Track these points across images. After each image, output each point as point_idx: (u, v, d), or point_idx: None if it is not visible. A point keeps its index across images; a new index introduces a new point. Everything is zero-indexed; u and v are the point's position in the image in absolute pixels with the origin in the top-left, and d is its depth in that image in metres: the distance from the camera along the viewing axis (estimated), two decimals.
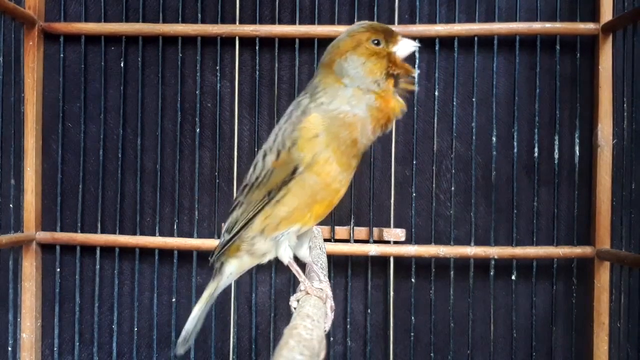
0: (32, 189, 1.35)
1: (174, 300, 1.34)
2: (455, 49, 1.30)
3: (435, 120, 1.31)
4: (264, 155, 0.72)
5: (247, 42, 1.34)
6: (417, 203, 1.32)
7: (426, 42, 1.29)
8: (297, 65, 1.33)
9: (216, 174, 1.34)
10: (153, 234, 1.35)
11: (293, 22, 1.34)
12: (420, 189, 1.33)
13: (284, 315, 1.34)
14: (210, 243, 1.31)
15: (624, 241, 1.20)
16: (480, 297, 1.31)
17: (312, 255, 0.81)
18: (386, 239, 1.31)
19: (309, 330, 0.50)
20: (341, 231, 1.33)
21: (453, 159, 1.31)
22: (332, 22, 1.34)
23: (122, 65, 1.37)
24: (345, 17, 1.35)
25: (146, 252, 1.35)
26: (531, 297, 1.29)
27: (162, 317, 1.37)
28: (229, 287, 1.32)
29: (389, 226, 1.32)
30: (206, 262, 1.35)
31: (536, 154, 1.29)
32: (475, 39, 1.30)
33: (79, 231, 1.36)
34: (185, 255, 1.35)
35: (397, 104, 0.69)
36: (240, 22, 1.34)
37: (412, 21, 1.33)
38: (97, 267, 1.36)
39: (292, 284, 1.33)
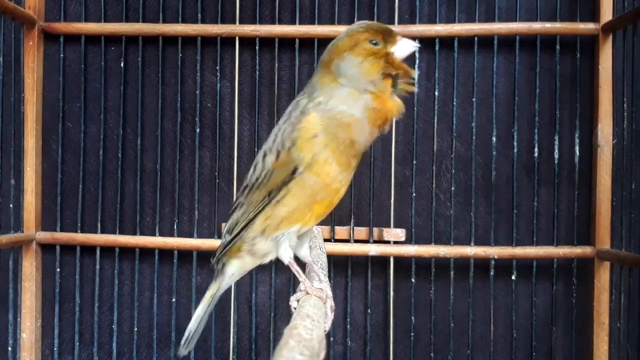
0: (32, 189, 1.35)
1: (174, 300, 1.34)
2: (455, 49, 1.30)
3: (435, 120, 1.31)
4: (264, 156, 0.72)
5: (247, 42, 1.34)
6: (417, 203, 1.32)
7: (426, 42, 1.29)
8: (297, 65, 1.33)
9: (216, 174, 1.34)
10: (153, 234, 1.35)
11: (293, 22, 1.34)
12: (420, 189, 1.33)
13: (284, 315, 1.34)
14: (210, 243, 1.31)
15: (624, 241, 1.20)
16: (480, 297, 1.31)
17: (312, 255, 0.81)
18: (386, 239, 1.31)
19: (309, 330, 0.50)
20: (341, 231, 1.33)
21: (453, 159, 1.31)
22: (332, 22, 1.34)
23: (122, 65, 1.37)
24: (345, 17, 1.35)
25: (146, 252, 1.35)
26: (531, 297, 1.29)
27: (162, 317, 1.37)
28: (229, 287, 1.32)
29: (389, 226, 1.32)
30: (206, 262, 1.35)
31: (536, 154, 1.29)
32: (475, 39, 1.30)
33: (79, 231, 1.36)
34: (185, 255, 1.35)
35: (395, 105, 0.68)
36: (240, 22, 1.34)
37: (412, 21, 1.33)
38: (97, 267, 1.36)
39: (292, 284, 1.33)
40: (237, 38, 1.33)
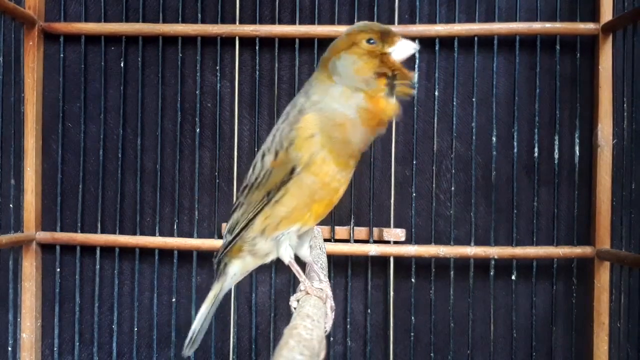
0: (32, 189, 1.35)
1: (174, 300, 1.34)
2: (455, 49, 1.30)
3: (435, 120, 1.31)
4: (263, 156, 0.72)
5: (247, 42, 1.34)
6: (417, 203, 1.32)
7: (426, 42, 1.29)
8: (297, 65, 1.33)
9: (216, 174, 1.34)
10: (153, 234, 1.35)
11: (293, 22, 1.34)
12: (420, 189, 1.33)
13: (284, 315, 1.34)
14: (210, 243, 1.31)
15: (624, 241, 1.20)
16: (480, 297, 1.31)
17: (312, 255, 0.81)
18: (386, 239, 1.31)
19: (309, 330, 0.50)
20: (341, 231, 1.33)
21: (453, 159, 1.31)
22: (332, 22, 1.34)
23: (122, 65, 1.37)
24: (345, 17, 1.35)
25: (146, 252, 1.35)
26: (531, 297, 1.29)
27: (162, 317, 1.37)
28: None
29: (389, 226, 1.32)
30: (206, 262, 1.35)
31: (536, 154, 1.29)
32: (475, 39, 1.30)
33: (79, 231, 1.36)
34: (185, 255, 1.35)
35: (389, 106, 0.67)
36: (240, 22, 1.34)
37: (412, 21, 1.33)
38: (97, 267, 1.36)
39: (292, 284, 1.33)
40: (237, 38, 1.33)
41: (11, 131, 1.32)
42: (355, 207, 1.32)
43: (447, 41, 1.31)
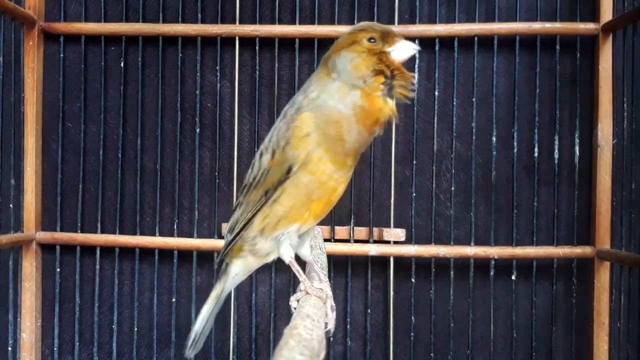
0: (32, 189, 1.35)
1: (174, 300, 1.34)
2: (455, 49, 1.30)
3: (435, 120, 1.31)
4: (261, 155, 0.72)
5: (247, 42, 1.34)
6: (417, 203, 1.32)
7: (426, 42, 1.29)
8: (297, 65, 1.33)
9: (216, 174, 1.34)
10: (153, 234, 1.35)
11: (293, 22, 1.34)
12: (420, 189, 1.33)
13: (284, 315, 1.34)
14: (210, 243, 1.31)
15: (624, 241, 1.20)
16: (480, 297, 1.31)
17: (312, 255, 0.81)
18: (386, 239, 1.31)
19: (309, 330, 0.50)
20: (341, 231, 1.33)
21: (453, 159, 1.31)
22: (332, 22, 1.34)
23: (122, 65, 1.37)
24: (345, 17, 1.35)
25: (146, 252, 1.35)
26: (531, 297, 1.29)
27: (162, 317, 1.37)
28: None
29: (389, 226, 1.32)
30: (206, 262, 1.35)
31: (536, 154, 1.29)
32: (475, 39, 1.30)
33: (79, 231, 1.36)
34: (185, 255, 1.35)
35: (386, 106, 0.67)
36: (240, 22, 1.34)
37: (412, 21, 1.33)
38: (97, 267, 1.36)
39: (292, 284, 1.33)
40: (237, 38, 1.33)
41: (11, 131, 1.32)
42: (355, 207, 1.32)
43: (447, 41, 1.31)
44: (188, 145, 1.37)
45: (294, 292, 0.70)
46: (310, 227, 0.74)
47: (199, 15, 1.34)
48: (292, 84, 1.35)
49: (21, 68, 1.34)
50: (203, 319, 0.82)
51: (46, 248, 1.38)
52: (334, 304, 0.70)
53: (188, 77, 1.37)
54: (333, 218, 1.32)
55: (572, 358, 1.29)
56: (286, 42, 1.34)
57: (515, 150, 1.29)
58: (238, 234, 0.74)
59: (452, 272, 1.29)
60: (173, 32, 1.33)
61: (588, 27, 1.26)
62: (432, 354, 1.31)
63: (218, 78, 1.34)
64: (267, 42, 1.34)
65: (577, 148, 1.29)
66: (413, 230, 1.30)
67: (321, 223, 0.83)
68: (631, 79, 1.20)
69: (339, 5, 1.34)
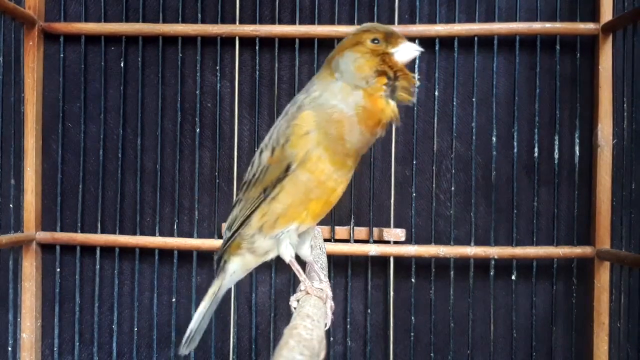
0: (32, 189, 1.35)
1: (174, 300, 1.34)
2: (455, 49, 1.30)
3: (435, 120, 1.31)
4: (261, 152, 0.72)
5: (247, 42, 1.34)
6: (417, 203, 1.32)
7: (426, 42, 1.29)
8: (297, 65, 1.33)
9: (216, 174, 1.34)
10: (153, 234, 1.35)
11: (293, 22, 1.34)
12: (420, 189, 1.33)
13: (284, 315, 1.34)
14: (210, 243, 1.31)
15: (624, 241, 1.20)
16: (480, 297, 1.31)
17: (312, 255, 0.81)
18: (386, 239, 1.31)
19: (309, 330, 0.50)
20: (341, 231, 1.33)
21: (453, 159, 1.31)
22: (332, 22, 1.34)
23: (122, 65, 1.37)
24: (345, 17, 1.35)
25: (146, 252, 1.35)
26: (531, 297, 1.29)
27: (162, 317, 1.37)
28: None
29: (389, 226, 1.32)
30: (206, 262, 1.35)
31: (536, 154, 1.29)
32: (475, 39, 1.30)
33: (79, 231, 1.36)
34: (185, 255, 1.35)
35: (388, 107, 0.67)
36: (240, 22, 1.34)
37: (412, 21, 1.33)
38: (97, 267, 1.36)
39: (292, 284, 1.33)
40: (237, 38, 1.33)
41: (11, 131, 1.32)
42: (355, 207, 1.32)
43: (447, 41, 1.31)
44: (188, 145, 1.37)
45: (294, 292, 0.70)
46: (310, 226, 0.74)
47: (199, 15, 1.34)
48: (292, 84, 1.35)
49: (21, 68, 1.34)
50: (199, 316, 0.82)
51: (46, 248, 1.38)
52: (333, 304, 0.70)
53: (188, 77, 1.37)
54: (333, 218, 1.32)
55: (572, 358, 1.29)
56: (286, 42, 1.34)
57: (515, 150, 1.29)
58: (236, 231, 0.74)
59: (452, 272, 1.29)
60: (173, 32, 1.33)
61: (588, 27, 1.26)
62: (432, 354, 1.31)
63: (218, 78, 1.34)
64: (267, 42, 1.34)
65: (577, 148, 1.29)
66: (413, 230, 1.30)
67: (321, 223, 0.83)
68: (631, 79, 1.20)
69: (339, 5, 1.34)
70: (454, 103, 1.30)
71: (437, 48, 1.30)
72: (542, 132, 1.30)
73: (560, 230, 1.30)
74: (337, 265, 1.34)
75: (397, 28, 1.26)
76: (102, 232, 1.36)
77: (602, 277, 1.25)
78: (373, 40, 0.68)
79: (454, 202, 1.31)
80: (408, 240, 1.31)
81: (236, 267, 0.79)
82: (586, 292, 1.29)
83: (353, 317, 1.34)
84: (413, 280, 1.30)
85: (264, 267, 1.32)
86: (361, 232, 1.32)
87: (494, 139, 1.29)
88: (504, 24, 1.29)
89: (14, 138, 1.32)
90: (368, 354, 1.33)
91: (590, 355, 1.25)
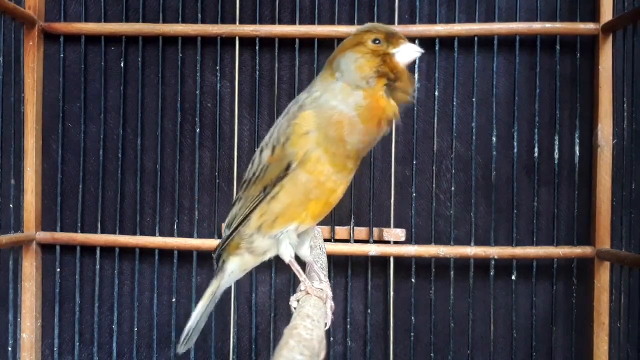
0: (32, 189, 1.35)
1: (174, 300, 1.34)
2: (455, 49, 1.30)
3: (435, 120, 1.31)
4: (261, 151, 0.72)
5: (247, 42, 1.34)
6: (417, 203, 1.32)
7: (426, 42, 1.29)
8: (297, 65, 1.33)
9: (216, 174, 1.34)
10: (153, 234, 1.35)
11: (293, 22, 1.34)
12: (420, 189, 1.33)
13: (284, 315, 1.34)
14: (210, 243, 1.31)
15: (624, 241, 1.20)
16: (480, 297, 1.31)
17: (312, 255, 0.81)
18: (386, 239, 1.31)
19: (309, 330, 0.50)
20: (341, 231, 1.33)
21: (453, 159, 1.31)
22: (332, 22, 1.34)
23: (122, 65, 1.37)
24: (345, 17, 1.35)
25: (146, 252, 1.35)
26: (531, 297, 1.29)
27: (162, 317, 1.37)
28: (229, 287, 1.32)
29: (389, 226, 1.32)
30: (206, 262, 1.35)
31: (536, 154, 1.29)
32: (475, 39, 1.30)
33: (79, 231, 1.36)
34: (185, 255, 1.35)
35: (389, 105, 0.67)
36: (240, 22, 1.34)
37: (412, 21, 1.33)
38: (97, 267, 1.36)
39: (292, 284, 1.33)
40: (237, 38, 1.33)
41: (11, 131, 1.32)
42: (355, 207, 1.32)
43: (447, 41, 1.31)
44: (188, 145, 1.37)
45: (294, 292, 0.70)
46: (309, 227, 0.74)
47: (199, 15, 1.34)
48: (292, 84, 1.35)
49: (21, 68, 1.34)
50: (197, 315, 0.83)
51: (46, 248, 1.38)
52: (333, 305, 0.70)
53: (188, 77, 1.37)
54: (333, 218, 1.32)
55: (572, 358, 1.29)
56: (286, 42, 1.34)
57: (515, 150, 1.29)
58: (235, 229, 0.74)
59: (452, 272, 1.29)
60: (173, 32, 1.33)
61: (588, 27, 1.26)
62: (432, 354, 1.31)
63: (218, 78, 1.34)
64: (267, 42, 1.34)
65: (577, 148, 1.29)
66: (413, 230, 1.30)
67: (321, 223, 0.83)
68: (631, 79, 1.20)
69: (339, 5, 1.34)
70: (454, 103, 1.30)
71: (437, 48, 1.30)
72: (542, 132, 1.30)
73: (560, 230, 1.30)
74: (337, 265, 1.34)
75: (397, 28, 1.26)
76: (102, 232, 1.36)
77: (602, 277, 1.25)
78: (374, 41, 0.68)
79: (454, 202, 1.31)
80: (408, 240, 1.31)
81: (234, 267, 0.79)
82: (586, 292, 1.29)
83: (353, 317, 1.34)
84: (413, 280, 1.30)
85: (264, 267, 1.32)
86: (361, 232, 1.32)
87: (494, 139, 1.29)
88: (504, 24, 1.29)
89: (14, 138, 1.32)
90: (368, 354, 1.33)
91: (590, 355, 1.25)
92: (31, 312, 1.35)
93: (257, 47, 1.32)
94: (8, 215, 1.32)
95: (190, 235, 1.35)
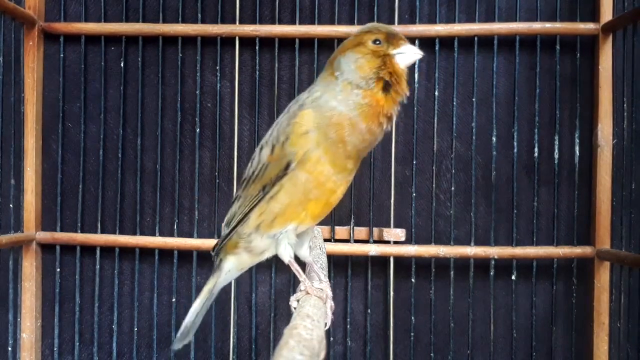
0: (32, 189, 1.35)
1: (174, 300, 1.34)
2: (455, 49, 1.30)
3: (435, 120, 1.31)
4: (261, 149, 0.72)
5: (247, 42, 1.34)
6: (417, 203, 1.32)
7: (426, 42, 1.29)
8: (297, 65, 1.33)
9: (216, 174, 1.34)
10: (153, 234, 1.35)
11: (293, 22, 1.34)
12: (420, 189, 1.33)
13: (284, 315, 1.34)
14: (210, 243, 1.31)
15: (624, 241, 1.20)
16: (480, 297, 1.31)
17: (312, 255, 0.81)
18: (386, 239, 1.31)
19: (309, 330, 0.50)
20: (341, 231, 1.33)
21: (453, 159, 1.31)
22: (332, 22, 1.34)
23: (122, 65, 1.37)
24: (345, 17, 1.35)
25: (146, 252, 1.35)
26: (531, 297, 1.29)
27: (162, 317, 1.37)
28: (229, 286, 1.32)
29: (389, 226, 1.32)
30: (206, 262, 1.35)
31: (536, 154, 1.29)
32: (475, 39, 1.30)
33: (79, 231, 1.36)
34: (185, 255, 1.35)
35: (388, 103, 0.67)
36: (240, 22, 1.34)
37: (412, 21, 1.33)
38: (97, 267, 1.36)
39: (292, 284, 1.33)
40: (237, 38, 1.33)
41: (11, 131, 1.32)
42: (355, 207, 1.32)
43: (447, 41, 1.31)
44: (188, 145, 1.37)
45: (294, 292, 0.70)
46: (309, 227, 0.74)
47: (199, 15, 1.34)
48: (292, 84, 1.35)
49: (21, 68, 1.34)
50: (193, 313, 0.83)
51: (46, 248, 1.38)
52: (333, 305, 0.70)
53: (188, 77, 1.37)
54: (333, 218, 1.32)
55: (572, 358, 1.29)
56: (286, 42, 1.34)
57: (515, 150, 1.29)
58: (234, 228, 0.74)
59: (452, 272, 1.29)
60: (173, 32, 1.33)
61: (588, 27, 1.26)
62: (432, 354, 1.31)
63: (218, 78, 1.34)
64: (267, 42, 1.34)
65: (577, 148, 1.29)
66: (413, 230, 1.30)
67: (321, 223, 0.83)
68: (631, 79, 1.20)
69: (339, 5, 1.34)
70: (454, 103, 1.30)
71: (437, 48, 1.30)
72: (542, 132, 1.30)
73: (560, 230, 1.30)
74: (337, 265, 1.34)
75: (397, 28, 1.26)
76: (102, 232, 1.36)
77: (602, 277, 1.25)
78: (374, 42, 0.69)
79: (454, 202, 1.31)
80: (408, 240, 1.31)
81: (231, 266, 0.79)
82: (586, 292, 1.29)
83: (353, 317, 1.34)
84: (413, 280, 1.30)
85: (264, 267, 1.32)
86: (361, 232, 1.32)
87: (494, 139, 1.29)
88: (504, 24, 1.29)
89: (14, 138, 1.32)
90: (368, 354, 1.33)
91: (590, 355, 1.25)
92: (31, 312, 1.35)
93: (257, 47, 1.32)
94: (8, 215, 1.32)
95: (190, 235, 1.35)
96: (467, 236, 1.31)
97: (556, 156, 1.29)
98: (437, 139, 1.32)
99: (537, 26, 1.27)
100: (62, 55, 1.37)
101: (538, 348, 1.30)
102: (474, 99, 1.30)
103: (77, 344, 1.36)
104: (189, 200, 1.37)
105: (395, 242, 1.31)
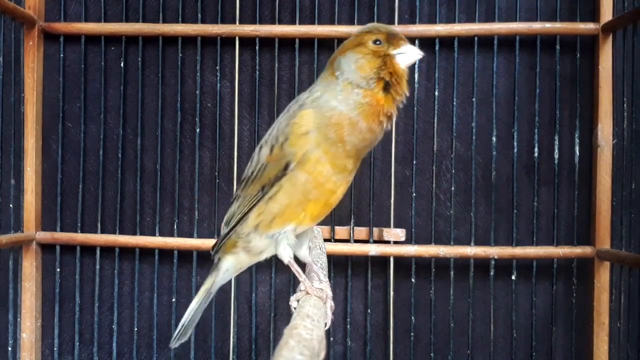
0: (32, 189, 1.35)
1: (174, 300, 1.34)
2: (455, 49, 1.30)
3: (435, 120, 1.31)
4: (260, 149, 0.72)
5: (247, 42, 1.34)
6: (417, 203, 1.32)
7: (426, 42, 1.29)
8: (297, 65, 1.33)
9: (216, 174, 1.34)
10: (153, 234, 1.35)
11: (293, 22, 1.34)
12: (420, 189, 1.33)
13: (284, 315, 1.34)
14: (210, 243, 1.30)
15: (624, 241, 1.20)
16: (480, 297, 1.31)
17: (312, 255, 0.81)
18: (386, 239, 1.31)
19: (309, 330, 0.50)
20: (341, 231, 1.33)
21: (453, 159, 1.31)
22: (332, 22, 1.34)
23: (122, 65, 1.37)
24: (345, 17, 1.35)
25: (146, 252, 1.35)
26: (531, 297, 1.29)
27: (162, 317, 1.37)
28: (229, 286, 1.32)
29: (389, 226, 1.32)
30: (206, 262, 1.35)
31: (536, 154, 1.29)
32: (475, 39, 1.30)
33: (79, 231, 1.36)
34: (185, 255, 1.35)
35: (388, 102, 0.67)
36: (240, 22, 1.34)
37: (412, 21, 1.33)
38: (97, 267, 1.36)
39: (292, 284, 1.33)
40: (237, 38, 1.33)
41: (11, 131, 1.32)
42: (355, 207, 1.32)
43: (447, 41, 1.31)
44: (188, 145, 1.37)
45: (294, 292, 0.70)
46: (308, 227, 0.74)
47: (199, 15, 1.34)
48: (292, 84, 1.35)
49: (21, 68, 1.34)
50: (191, 311, 0.83)
51: (46, 248, 1.38)
52: (333, 305, 0.70)
53: (188, 77, 1.37)
54: (333, 218, 1.32)
55: (572, 358, 1.29)
56: (286, 42, 1.34)
57: (515, 150, 1.29)
58: (233, 227, 0.74)
59: (452, 272, 1.29)
60: (173, 32, 1.33)
61: (588, 27, 1.26)
62: (432, 354, 1.31)
63: (218, 78, 1.34)
64: (267, 42, 1.34)
65: (577, 148, 1.29)
66: (413, 230, 1.30)
67: (321, 223, 0.83)
68: (631, 79, 1.20)
69: (339, 5, 1.34)
70: (454, 103, 1.30)
71: (437, 48, 1.30)
72: (542, 132, 1.30)
73: (560, 230, 1.30)
74: (337, 265, 1.34)
75: (397, 28, 1.26)
76: (102, 232, 1.36)
77: (602, 277, 1.25)
78: (375, 42, 0.69)
79: (454, 202, 1.31)
80: (408, 240, 1.31)
81: (229, 265, 0.79)
82: (586, 292, 1.29)
83: (353, 317, 1.34)
84: (413, 280, 1.30)
85: (264, 267, 1.32)
86: (361, 232, 1.32)
87: (494, 139, 1.29)
88: (504, 24, 1.29)
89: (14, 138, 1.32)
90: (368, 354, 1.33)
91: (590, 355, 1.25)
92: (31, 312, 1.35)
93: (257, 47, 1.32)
94: (8, 215, 1.32)
95: (190, 235, 1.35)
96: (467, 236, 1.30)
97: (556, 156, 1.29)
98: (437, 139, 1.32)
99: (537, 26, 1.27)
100: (62, 55, 1.37)
101: (538, 348, 1.30)
102: (474, 99, 1.30)
103: (77, 344, 1.36)
104: (189, 200, 1.37)
105: (395, 242, 1.31)
